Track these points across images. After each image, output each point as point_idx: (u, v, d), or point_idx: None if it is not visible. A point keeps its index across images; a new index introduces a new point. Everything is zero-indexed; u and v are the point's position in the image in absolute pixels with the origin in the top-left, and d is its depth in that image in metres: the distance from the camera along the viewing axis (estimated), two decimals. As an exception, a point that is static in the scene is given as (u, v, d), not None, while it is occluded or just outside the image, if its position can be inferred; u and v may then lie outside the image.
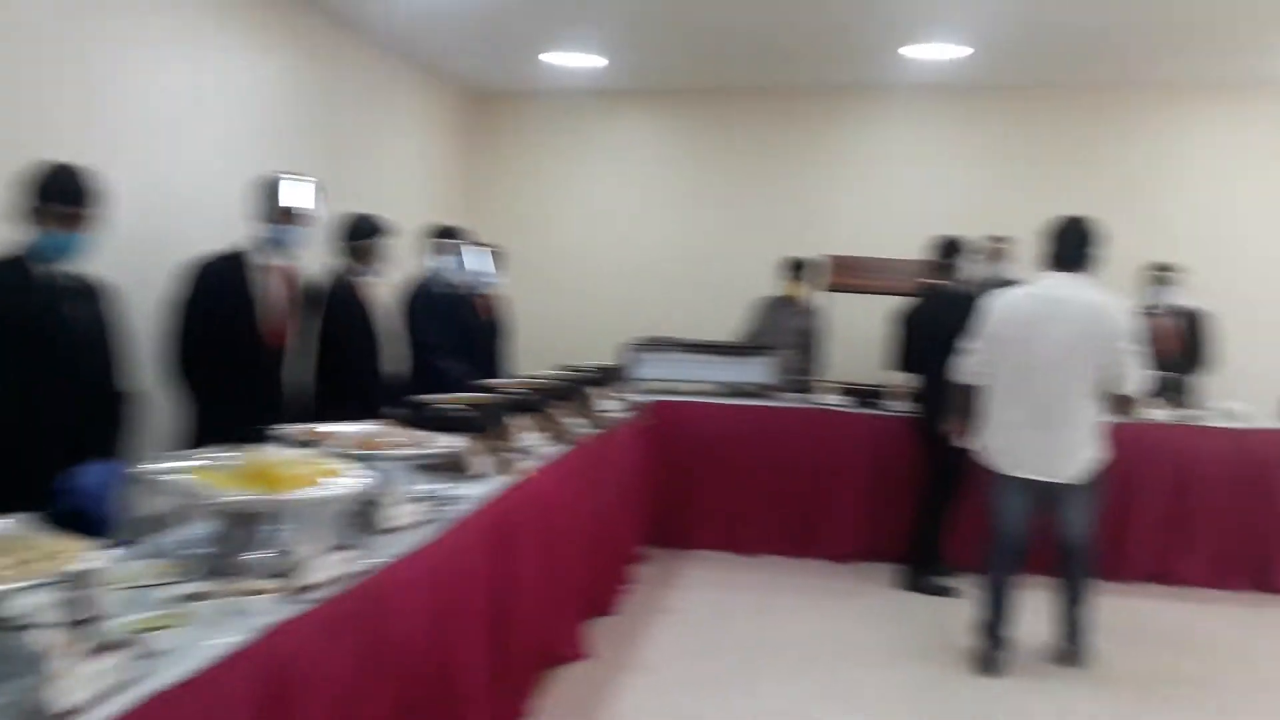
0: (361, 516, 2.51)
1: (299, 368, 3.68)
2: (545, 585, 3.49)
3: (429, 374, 4.20)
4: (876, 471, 5.13)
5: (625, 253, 7.60)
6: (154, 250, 3.73)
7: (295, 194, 3.35)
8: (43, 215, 2.58)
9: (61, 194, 2.56)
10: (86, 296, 2.76)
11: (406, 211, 5.04)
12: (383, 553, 2.30)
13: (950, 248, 4.87)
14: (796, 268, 6.07)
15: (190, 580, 1.98)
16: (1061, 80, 6.86)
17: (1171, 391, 5.24)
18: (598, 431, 4.21)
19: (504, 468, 3.19)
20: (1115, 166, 6.96)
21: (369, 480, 2.19)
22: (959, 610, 4.29)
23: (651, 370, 5.59)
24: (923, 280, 4.92)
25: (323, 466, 2.16)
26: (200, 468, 2.14)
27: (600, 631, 4.10)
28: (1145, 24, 5.50)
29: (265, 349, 3.40)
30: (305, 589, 1.95)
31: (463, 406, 3.18)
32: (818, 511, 5.29)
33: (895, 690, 3.72)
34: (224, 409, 3.18)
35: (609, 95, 7.56)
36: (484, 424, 3.22)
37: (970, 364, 3.88)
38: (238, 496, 1.96)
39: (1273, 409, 5.31)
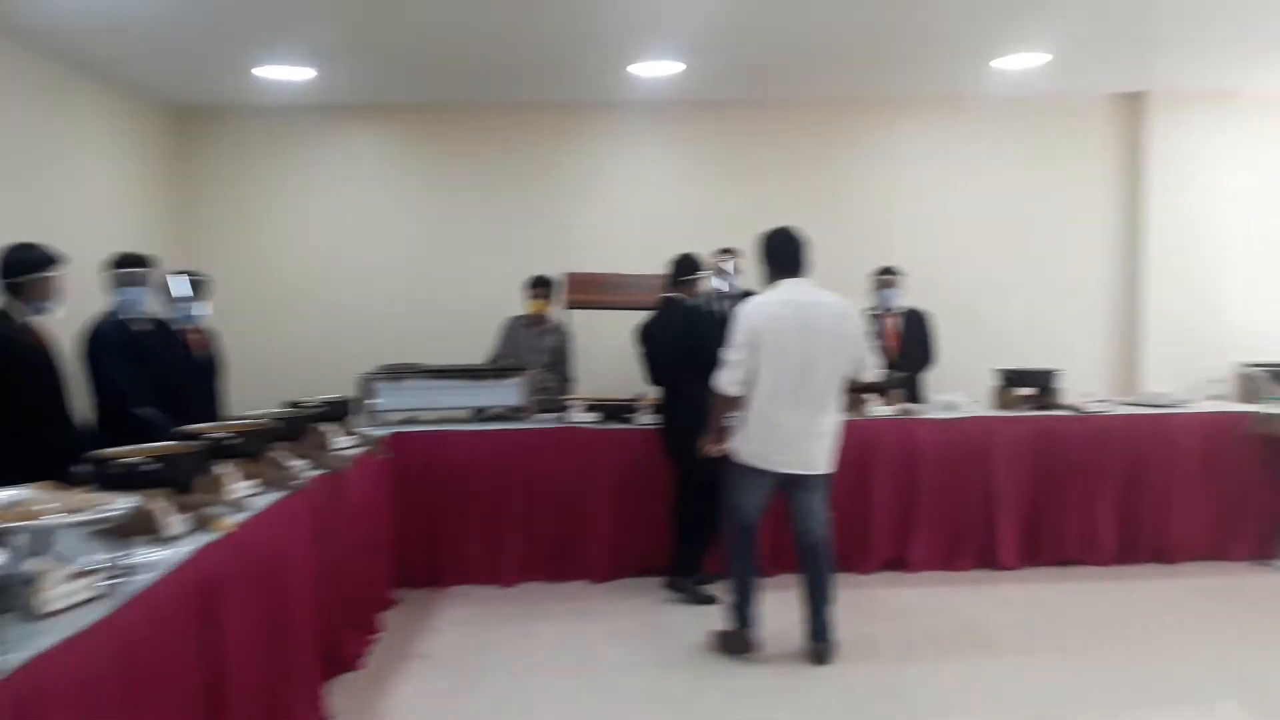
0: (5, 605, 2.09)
1: None
2: (266, 651, 3.11)
3: (125, 424, 3.68)
4: (631, 486, 5.09)
5: (358, 277, 7.21)
6: None
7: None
8: None
9: None
10: None
11: (98, 240, 4.44)
12: (29, 646, 1.91)
13: (685, 263, 4.93)
14: (541, 285, 5.95)
15: None
16: (781, 96, 7.21)
17: (898, 388, 5.57)
18: (327, 472, 3.85)
19: (203, 524, 2.81)
20: (834, 176, 7.40)
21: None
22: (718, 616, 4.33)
23: (392, 400, 5.27)
24: (662, 295, 4.94)
25: None
26: None
27: (343, 690, 3.75)
28: (854, 43, 5.86)
29: None
30: None
31: (149, 459, 2.76)
32: (575, 533, 5.19)
33: (660, 704, 3.64)
34: None
35: (327, 110, 7.14)
36: (175, 477, 2.83)
37: (734, 373, 3.91)
38: None
39: (984, 398, 5.77)
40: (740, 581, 4.06)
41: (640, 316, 5.06)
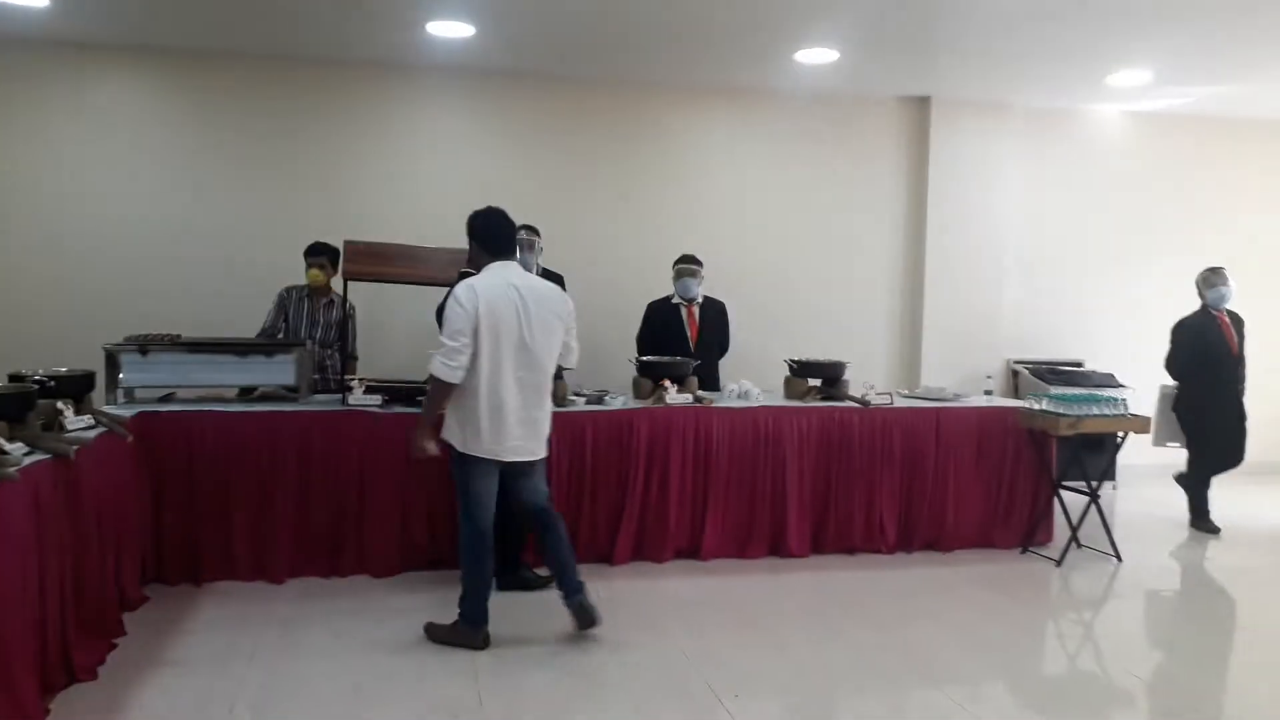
0: None
1: None
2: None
3: None
4: (416, 475, 4.75)
5: (111, 237, 6.40)
6: None
7: None
8: None
9: None
10: None
11: None
12: None
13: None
14: (321, 253, 5.48)
15: None
16: (579, 74, 7.02)
17: (693, 376, 5.54)
18: (55, 456, 3.33)
19: None
20: (634, 160, 7.32)
21: None
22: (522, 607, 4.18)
23: (144, 375, 4.69)
24: (464, 270, 4.64)
25: None
26: None
27: (72, 704, 3.27)
28: (657, 25, 5.77)
29: None
30: None
31: None
32: (354, 524, 4.81)
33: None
34: None
35: (71, 48, 6.26)
36: None
37: (456, 359, 3.72)
38: None
39: (776, 389, 5.85)
40: (475, 584, 3.95)
41: (431, 292, 4.74)
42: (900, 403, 5.73)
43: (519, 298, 3.79)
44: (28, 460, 3.15)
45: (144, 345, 4.66)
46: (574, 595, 3.98)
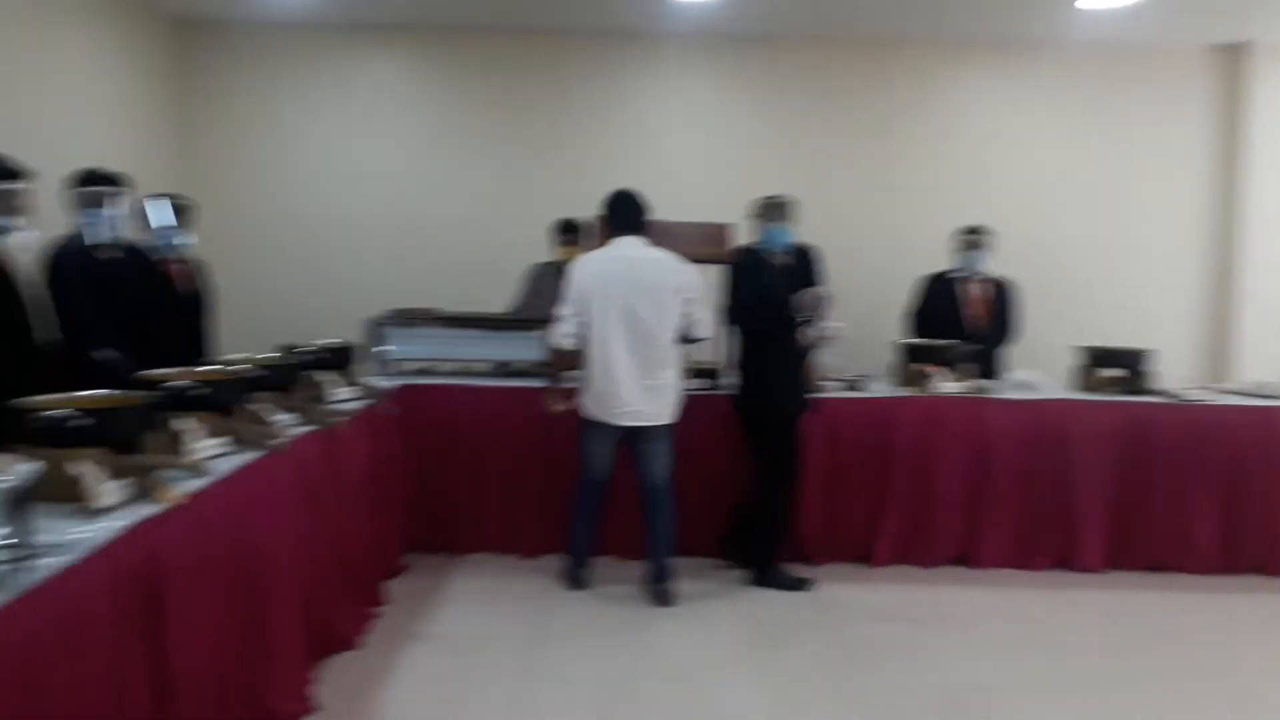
0: None
1: None
2: (234, 638, 2.64)
3: (87, 365, 3.20)
4: (681, 455, 4.50)
5: (369, 213, 6.61)
6: None
7: None
8: None
9: None
10: None
11: (86, 158, 3.89)
12: None
13: (772, 208, 4.41)
14: (570, 230, 5.36)
15: None
16: (835, 34, 6.52)
17: (978, 363, 4.96)
18: (322, 427, 3.36)
19: (148, 493, 2.31)
20: (893, 125, 6.73)
21: None
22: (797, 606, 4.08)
23: (403, 349, 4.76)
24: (741, 245, 4.42)
25: None
26: None
27: (335, 673, 3.30)
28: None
29: None
30: None
31: (78, 411, 2.26)
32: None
33: (690, 701, 3.14)
34: None
35: (339, 30, 6.49)
36: (113, 434, 2.33)
37: (563, 328, 4.07)
38: None
39: (1064, 379, 5.16)
40: (577, 535, 4.25)
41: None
42: (1220, 399, 4.87)
43: (629, 270, 3.97)
44: (298, 430, 3.18)
45: (406, 319, 4.73)
46: (656, 581, 4.13)
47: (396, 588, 4.16)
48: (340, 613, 3.55)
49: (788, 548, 4.46)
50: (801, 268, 4.44)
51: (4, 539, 1.95)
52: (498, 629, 3.81)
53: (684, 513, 4.33)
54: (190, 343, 3.80)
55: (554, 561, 4.53)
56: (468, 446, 4.60)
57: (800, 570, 4.43)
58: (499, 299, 5.51)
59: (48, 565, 1.88)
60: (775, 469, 4.27)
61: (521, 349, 4.79)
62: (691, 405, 4.30)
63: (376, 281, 6.29)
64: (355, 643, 3.57)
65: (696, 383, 4.61)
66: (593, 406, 4.10)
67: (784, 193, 4.49)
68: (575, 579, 4.28)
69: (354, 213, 6.57)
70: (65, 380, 2.94)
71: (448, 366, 4.97)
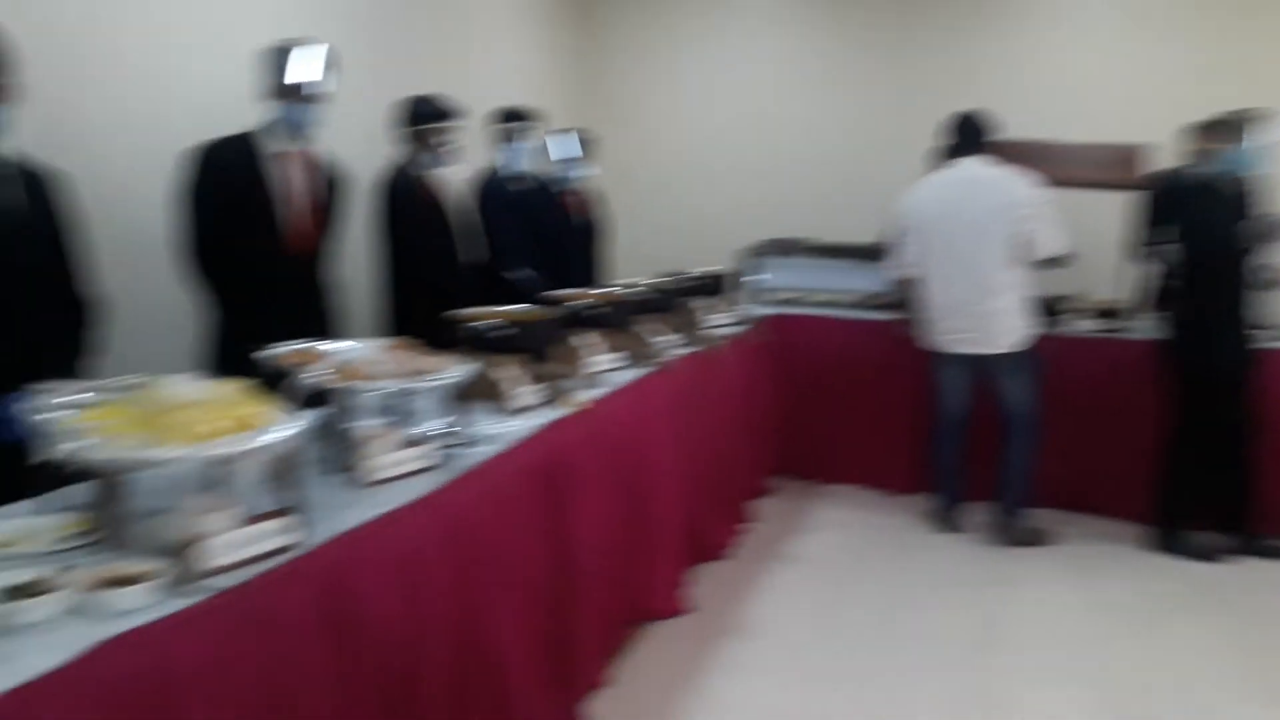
0: (337, 466, 1.99)
1: (334, 273, 3.14)
2: (622, 534, 2.90)
3: (500, 284, 3.63)
4: (1071, 403, 4.15)
5: (751, 144, 6.65)
6: (154, 136, 3.28)
7: (306, 65, 2.77)
8: None
9: None
10: (27, 185, 2.19)
11: (495, 96, 4.37)
12: (354, 514, 1.76)
13: (1222, 127, 3.68)
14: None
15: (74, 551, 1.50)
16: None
17: None
18: (700, 350, 3.54)
19: (557, 398, 2.59)
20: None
21: (296, 428, 1.61)
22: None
23: (776, 278, 4.84)
24: (1176, 168, 3.85)
25: (243, 409, 1.61)
26: (93, 405, 1.64)
27: (706, 580, 3.51)
28: None
29: (289, 250, 2.87)
30: (203, 574, 1.42)
31: (502, 323, 2.58)
32: (980, 452, 4.40)
33: (1076, 656, 2.95)
34: (246, 321, 2.70)
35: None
36: (530, 345, 2.62)
37: (895, 258, 4.04)
38: (111, 454, 1.43)
39: None
40: (940, 472, 4.17)
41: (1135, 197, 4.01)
42: None
43: (961, 193, 3.83)
44: (680, 351, 3.38)
45: (781, 249, 4.80)
46: (1006, 515, 3.97)
47: (763, 508, 4.31)
48: (712, 524, 3.76)
49: (1234, 518, 3.83)
50: (1240, 198, 3.68)
51: (447, 428, 2.30)
52: (862, 558, 3.82)
53: (1077, 465, 4.03)
54: (587, 268, 4.17)
55: (922, 501, 4.43)
56: (835, 377, 4.60)
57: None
58: (863, 230, 5.38)
59: (477, 453, 2.19)
60: (1208, 427, 3.70)
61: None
62: (1090, 348, 3.95)
63: (751, 213, 6.37)
64: (724, 553, 3.76)
65: (1095, 323, 4.21)
66: (932, 336, 4.02)
67: (1243, 108, 3.76)
68: (944, 519, 4.16)
69: (730, 146, 6.71)
70: (486, 297, 3.37)
71: (818, 297, 4.98)
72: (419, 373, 2.08)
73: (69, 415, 1.58)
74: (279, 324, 2.52)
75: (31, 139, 2.21)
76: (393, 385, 1.99)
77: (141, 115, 3.26)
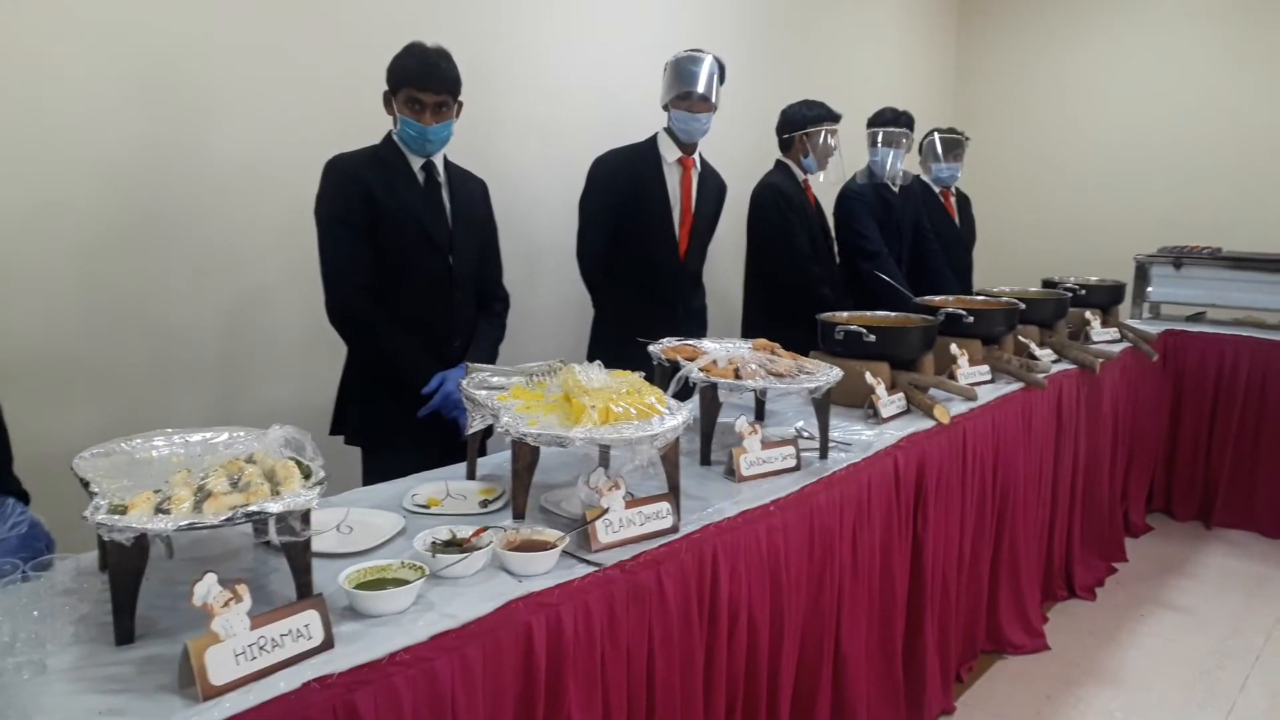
0: (707, 458, 2.09)
1: (711, 280, 3.30)
2: (980, 558, 2.78)
3: (867, 285, 3.59)
4: None
5: (1149, 140, 5.96)
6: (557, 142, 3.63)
7: (697, 74, 2.91)
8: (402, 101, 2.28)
9: (421, 78, 2.25)
10: (465, 188, 2.47)
11: (869, 98, 4.32)
12: (726, 505, 1.85)
13: None
14: None
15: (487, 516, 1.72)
16: None
17: None
18: (1079, 367, 3.27)
19: (920, 408, 2.52)
20: None
21: (686, 418, 1.72)
22: None
23: (1175, 290, 4.32)
24: None
25: (645, 397, 1.74)
26: (517, 384, 1.86)
27: (1069, 619, 3.26)
28: None
29: (680, 254, 3.07)
30: (596, 549, 1.57)
31: (867, 328, 2.55)
32: None
33: None
34: (633, 319, 2.90)
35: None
36: (896, 352, 2.57)
37: None
38: (534, 429, 1.61)
39: None
40: None
41: None
42: None
43: None
44: (1055, 368, 3.15)
45: (1178, 258, 4.29)
46: None
47: (1138, 548, 3.89)
48: (1081, 559, 3.47)
49: None
50: None
51: (803, 431, 2.33)
52: (1258, 617, 3.32)
53: None
54: (956, 273, 4.00)
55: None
56: (1241, 407, 4.02)
57: None
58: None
59: (841, 458, 2.19)
60: None
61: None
62: None
63: (1153, 215, 5.73)
64: (1092, 593, 3.45)
65: None
66: None
67: None
68: None
69: (1127, 140, 6.05)
70: (856, 302, 3.36)
71: (1227, 314, 4.38)
72: (788, 374, 2.13)
73: (496, 394, 1.81)
74: (663, 323, 2.70)
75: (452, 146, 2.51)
76: (767, 385, 2.05)
77: (545, 121, 3.62)
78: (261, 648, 1.14)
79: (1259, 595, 3.50)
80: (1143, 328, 4.03)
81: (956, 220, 4.30)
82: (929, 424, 2.47)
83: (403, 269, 2.34)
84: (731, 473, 2.01)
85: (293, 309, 2.89)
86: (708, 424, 2.11)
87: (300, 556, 1.28)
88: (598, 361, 1.81)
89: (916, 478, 2.40)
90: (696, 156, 3.09)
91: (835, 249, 3.72)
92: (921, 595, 2.45)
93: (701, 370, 2.11)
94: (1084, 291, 3.77)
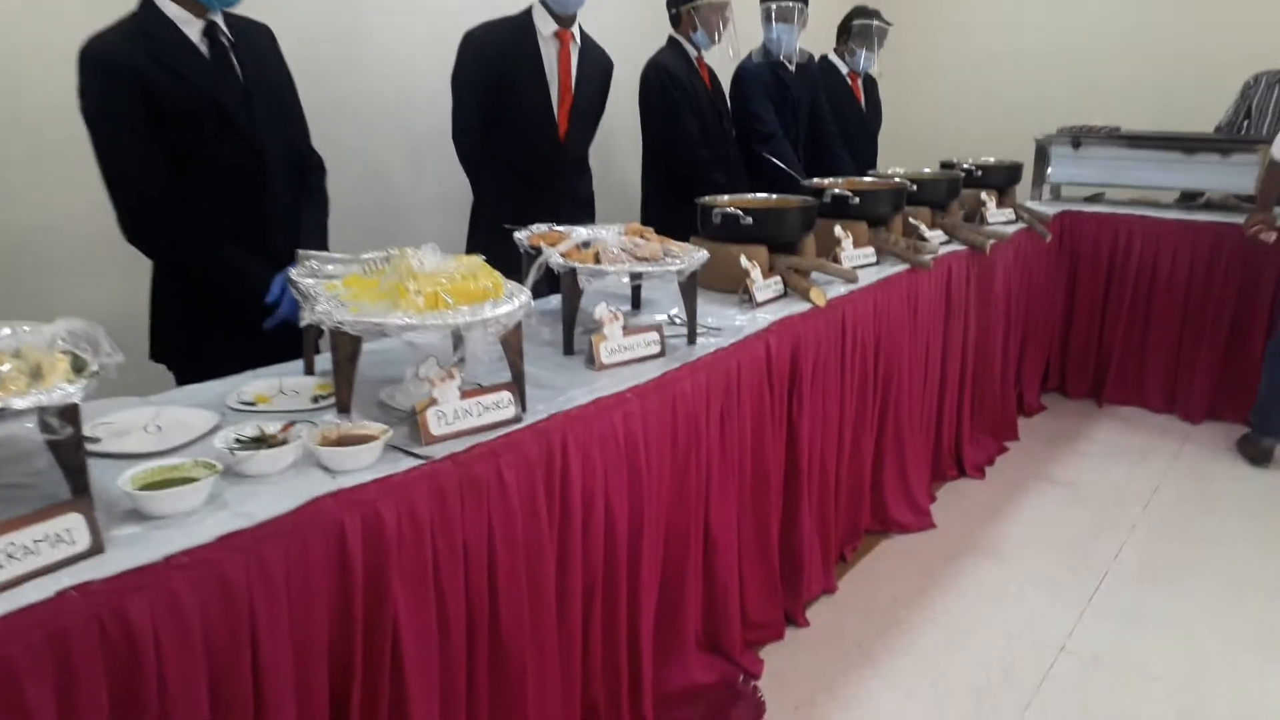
0: (569, 348, 2.01)
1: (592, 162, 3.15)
2: (861, 441, 2.77)
3: (759, 166, 3.49)
4: None
5: (1051, 18, 5.85)
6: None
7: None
8: None
9: None
10: (253, 47, 2.07)
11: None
12: (579, 394, 1.78)
13: None
14: None
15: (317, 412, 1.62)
16: None
17: None
18: (971, 248, 3.24)
19: (798, 291, 2.47)
20: None
21: (524, 303, 1.62)
22: None
23: (1074, 171, 4.31)
24: None
25: (479, 282, 1.64)
26: (354, 273, 1.74)
27: (957, 497, 3.31)
28: None
29: (559, 135, 2.88)
30: (428, 442, 1.50)
31: (743, 210, 2.46)
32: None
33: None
34: (512, 203, 2.77)
35: None
36: (774, 234, 2.50)
37: None
38: (351, 316, 1.51)
39: None
40: (1265, 397, 3.55)
41: None
42: None
43: None
44: (944, 249, 3.11)
45: (1077, 137, 4.26)
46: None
47: (1030, 426, 3.97)
48: (969, 438, 3.51)
49: None
50: None
51: (675, 317, 2.26)
52: (1138, 488, 3.42)
53: None
54: (859, 155, 3.92)
55: (1223, 431, 3.89)
56: (1133, 286, 4.07)
57: None
58: (1206, 118, 4.63)
59: (709, 343, 2.13)
60: None
61: (1218, 177, 4.01)
62: None
63: (1061, 97, 5.65)
64: (980, 471, 3.51)
65: None
66: None
67: None
68: (1256, 450, 3.61)
69: (1030, 19, 5.95)
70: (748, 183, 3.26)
71: (1123, 194, 4.40)
72: (653, 258, 2.04)
73: (325, 283, 1.69)
74: (544, 210, 2.57)
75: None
76: (627, 268, 1.96)
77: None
78: (11, 555, 1.04)
79: (1140, 467, 3.60)
80: (1041, 209, 4.02)
81: (862, 103, 4.20)
82: (806, 307, 2.42)
83: (201, 160, 1.99)
84: (592, 361, 1.94)
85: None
86: (569, 311, 2.02)
87: (70, 456, 1.17)
88: (430, 245, 1.68)
89: (791, 362, 2.36)
90: (576, 30, 2.89)
91: (733, 131, 3.60)
92: (798, 480, 2.44)
93: (562, 256, 2.01)
94: (980, 173, 3.72)
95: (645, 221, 2.25)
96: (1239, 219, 3.82)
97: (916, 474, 3.10)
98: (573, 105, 2.90)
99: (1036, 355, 4.07)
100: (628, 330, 1.97)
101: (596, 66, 2.99)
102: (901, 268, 2.88)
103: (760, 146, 3.50)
